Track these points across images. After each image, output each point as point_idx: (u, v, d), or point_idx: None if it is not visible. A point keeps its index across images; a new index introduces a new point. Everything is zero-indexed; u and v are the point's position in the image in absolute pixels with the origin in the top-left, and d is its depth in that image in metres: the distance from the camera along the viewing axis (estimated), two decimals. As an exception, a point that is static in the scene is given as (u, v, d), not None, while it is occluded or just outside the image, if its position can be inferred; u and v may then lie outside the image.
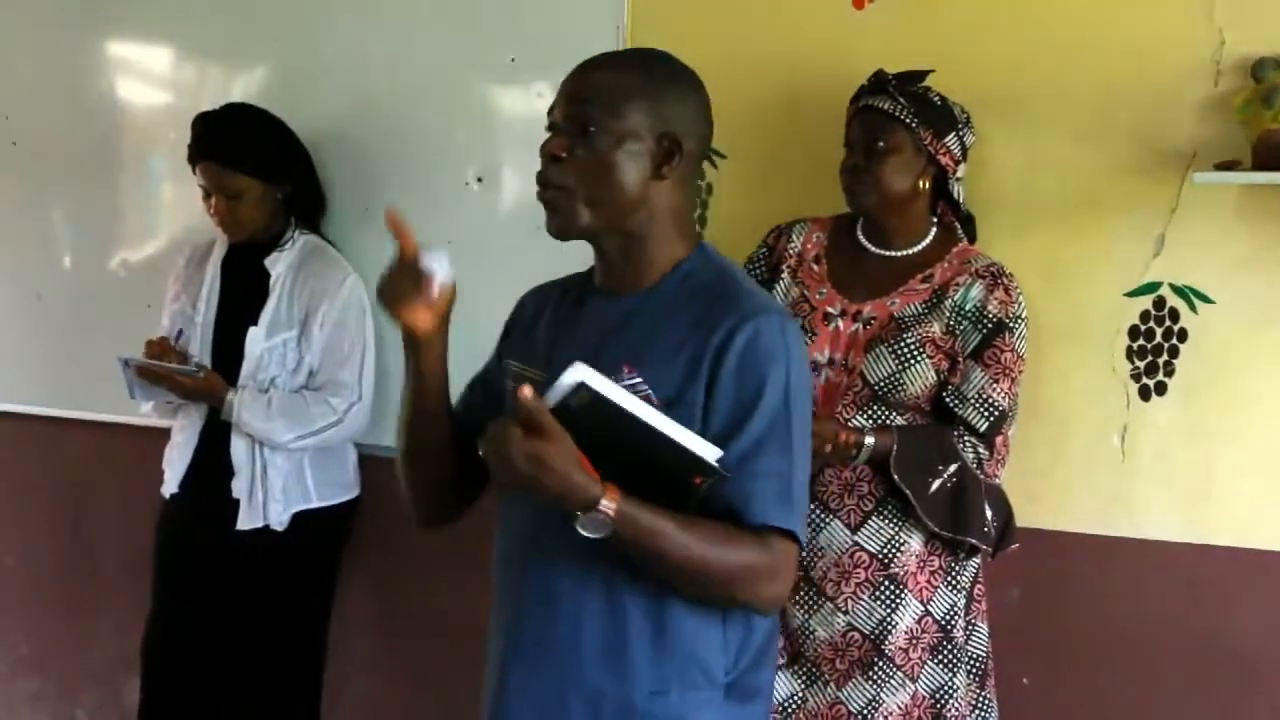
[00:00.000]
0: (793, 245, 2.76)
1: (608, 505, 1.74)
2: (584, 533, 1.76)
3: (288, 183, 3.29)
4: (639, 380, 1.86)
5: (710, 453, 1.78)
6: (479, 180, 3.34)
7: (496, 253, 3.16)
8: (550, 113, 1.94)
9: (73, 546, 4.05)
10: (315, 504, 3.28)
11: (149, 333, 3.32)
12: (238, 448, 3.24)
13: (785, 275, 2.74)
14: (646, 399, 1.81)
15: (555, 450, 1.71)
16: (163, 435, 3.42)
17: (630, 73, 1.93)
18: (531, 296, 2.13)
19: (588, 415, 1.71)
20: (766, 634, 1.97)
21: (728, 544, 1.82)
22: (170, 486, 3.36)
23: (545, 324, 2.04)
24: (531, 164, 3.21)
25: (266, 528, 3.23)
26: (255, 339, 3.23)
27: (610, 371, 1.80)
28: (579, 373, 1.70)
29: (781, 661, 2.68)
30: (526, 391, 1.71)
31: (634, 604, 1.88)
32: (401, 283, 1.89)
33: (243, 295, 3.29)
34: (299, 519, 3.26)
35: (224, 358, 3.24)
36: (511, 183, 3.33)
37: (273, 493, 3.23)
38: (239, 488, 3.24)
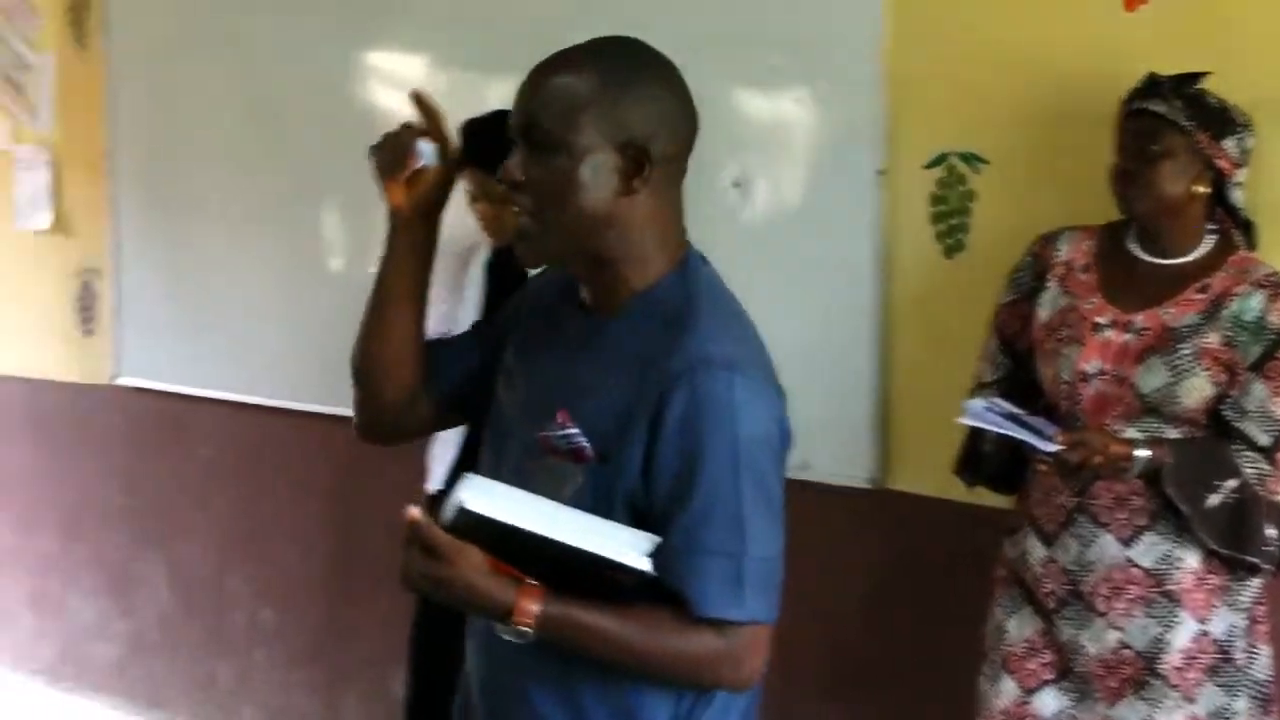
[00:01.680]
0: (1059, 253, 2.70)
1: (527, 610, 1.62)
2: (506, 638, 1.66)
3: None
4: (574, 431, 1.72)
5: (636, 551, 1.64)
6: (736, 185, 3.34)
7: (753, 257, 3.16)
8: (509, 128, 1.79)
9: (344, 541, 4.20)
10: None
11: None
12: (501, 447, 3.30)
13: (1053, 284, 2.68)
14: (580, 452, 1.71)
15: (452, 571, 1.62)
16: (429, 434, 3.52)
17: (581, 77, 1.74)
18: (541, 283, 1.98)
19: (487, 529, 1.61)
20: (724, 700, 1.78)
21: (674, 635, 1.68)
22: (435, 483, 3.45)
23: (540, 327, 1.90)
24: (788, 170, 3.25)
25: (530, 526, 3.29)
26: (519, 342, 3.29)
27: (546, 418, 1.73)
28: (465, 492, 1.60)
29: (1050, 677, 2.63)
30: (413, 513, 1.63)
31: (556, 665, 1.73)
32: (392, 150, 1.84)
33: (506, 298, 3.34)
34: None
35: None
36: (769, 187, 3.32)
37: (536, 492, 3.29)
38: (502, 485, 3.30)
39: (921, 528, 3.14)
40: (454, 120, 3.39)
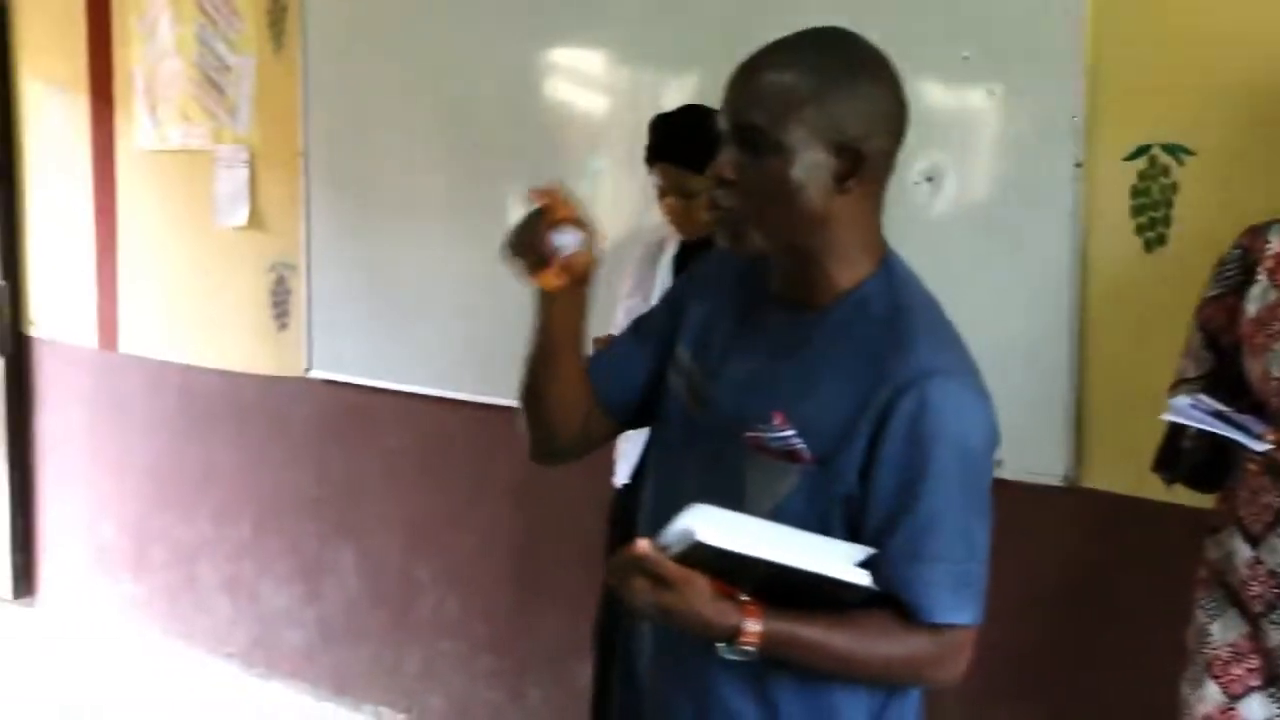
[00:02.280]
0: (1270, 246, 2.61)
1: (751, 631, 1.65)
2: (728, 657, 1.67)
3: (741, 183, 3.35)
4: (790, 433, 1.72)
5: (851, 564, 1.66)
6: (928, 179, 3.31)
7: (944, 252, 3.11)
8: (719, 121, 1.77)
9: (529, 533, 4.25)
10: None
11: (599, 328, 3.43)
12: (688, 442, 3.31)
13: (1262, 277, 2.59)
14: (796, 454, 1.72)
15: (680, 599, 1.63)
16: (616, 428, 3.54)
17: (795, 74, 1.72)
18: (717, 268, 1.94)
19: (713, 557, 1.62)
20: (912, 696, 1.84)
21: (889, 641, 1.71)
22: (621, 477, 3.47)
23: (723, 319, 1.88)
24: (982, 164, 3.20)
25: (715, 522, 3.30)
26: (707, 336, 3.29)
27: (762, 420, 1.73)
28: (694, 526, 1.61)
29: (1257, 683, 2.55)
30: (642, 546, 1.63)
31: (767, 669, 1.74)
32: (530, 248, 1.80)
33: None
34: (748, 514, 3.31)
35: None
36: (959, 181, 3.28)
37: (721, 488, 3.29)
38: (689, 482, 3.31)
39: (1117, 527, 3.08)
40: (641, 116, 3.45)
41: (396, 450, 4.58)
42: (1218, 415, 2.43)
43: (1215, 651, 2.60)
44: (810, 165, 1.70)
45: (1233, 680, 2.58)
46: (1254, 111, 2.85)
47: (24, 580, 5.86)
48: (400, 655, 4.62)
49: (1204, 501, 2.72)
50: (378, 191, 4.47)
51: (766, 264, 1.84)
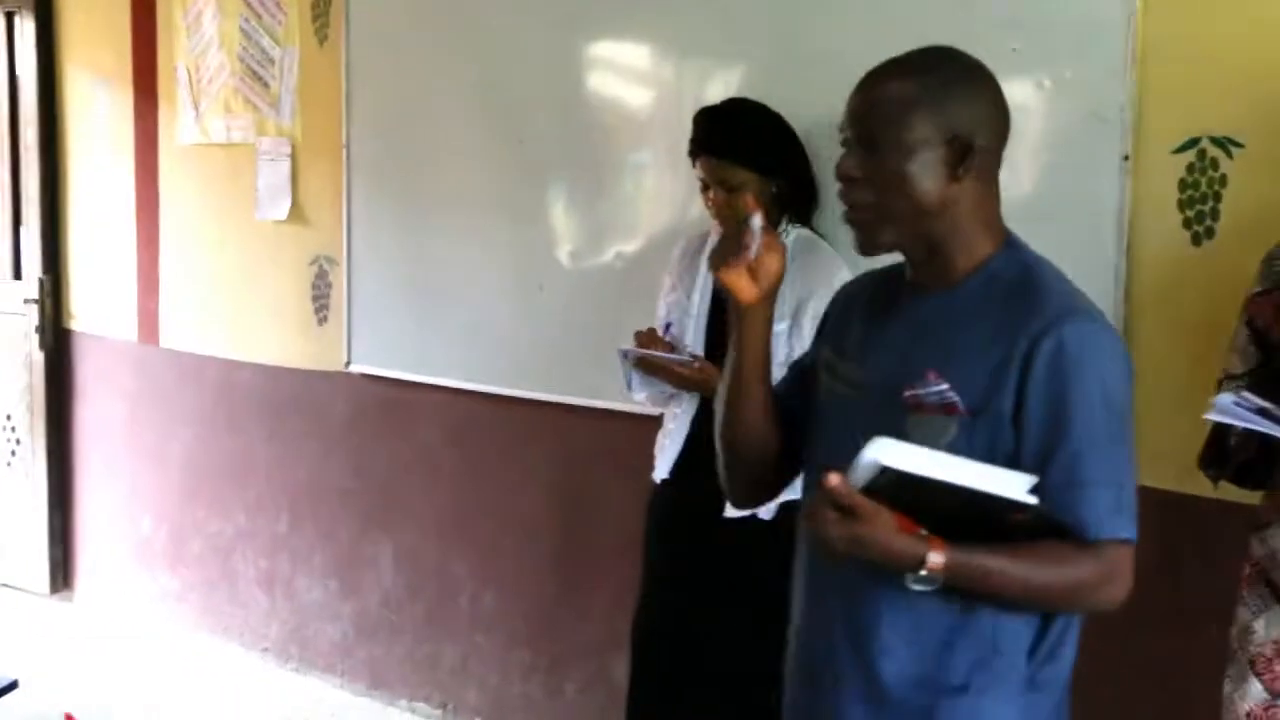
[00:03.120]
0: (1318, 239, 2.59)
1: (935, 561, 1.81)
2: (915, 588, 1.84)
3: (784, 177, 3.34)
4: (945, 387, 1.89)
5: (1022, 489, 1.79)
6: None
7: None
8: (841, 130, 1.99)
9: (566, 527, 4.25)
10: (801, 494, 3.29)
11: (643, 323, 3.44)
12: (727, 436, 3.30)
13: (1311, 270, 2.57)
14: (951, 406, 1.88)
15: (871, 529, 1.79)
16: (654, 422, 3.53)
17: (911, 82, 1.94)
18: (849, 287, 2.20)
19: (896, 485, 1.76)
20: (1064, 624, 1.96)
21: (1059, 565, 1.86)
22: (661, 472, 3.46)
23: (859, 316, 2.10)
24: (1030, 156, 3.18)
25: (754, 516, 3.28)
26: (748, 331, 3.28)
27: (916, 378, 1.91)
28: (879, 453, 1.75)
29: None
30: (833, 479, 1.77)
31: (938, 601, 1.90)
32: (731, 246, 2.02)
33: (735, 286, 3.35)
34: (786, 509, 3.27)
35: (718, 348, 3.31)
36: (1007, 174, 3.18)
37: (761, 482, 3.28)
38: (728, 476, 3.30)
39: (1162, 523, 3.03)
40: (685, 110, 3.44)
41: (434, 444, 4.58)
42: (1262, 412, 2.39)
43: (1259, 649, 2.57)
44: (925, 158, 1.92)
45: (1276, 678, 2.55)
46: (1305, 104, 2.82)
47: (61, 574, 5.90)
48: (436, 650, 4.62)
49: (1252, 499, 2.69)
50: (419, 185, 4.47)
51: (899, 274, 2.05)
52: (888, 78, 1.97)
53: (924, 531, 1.82)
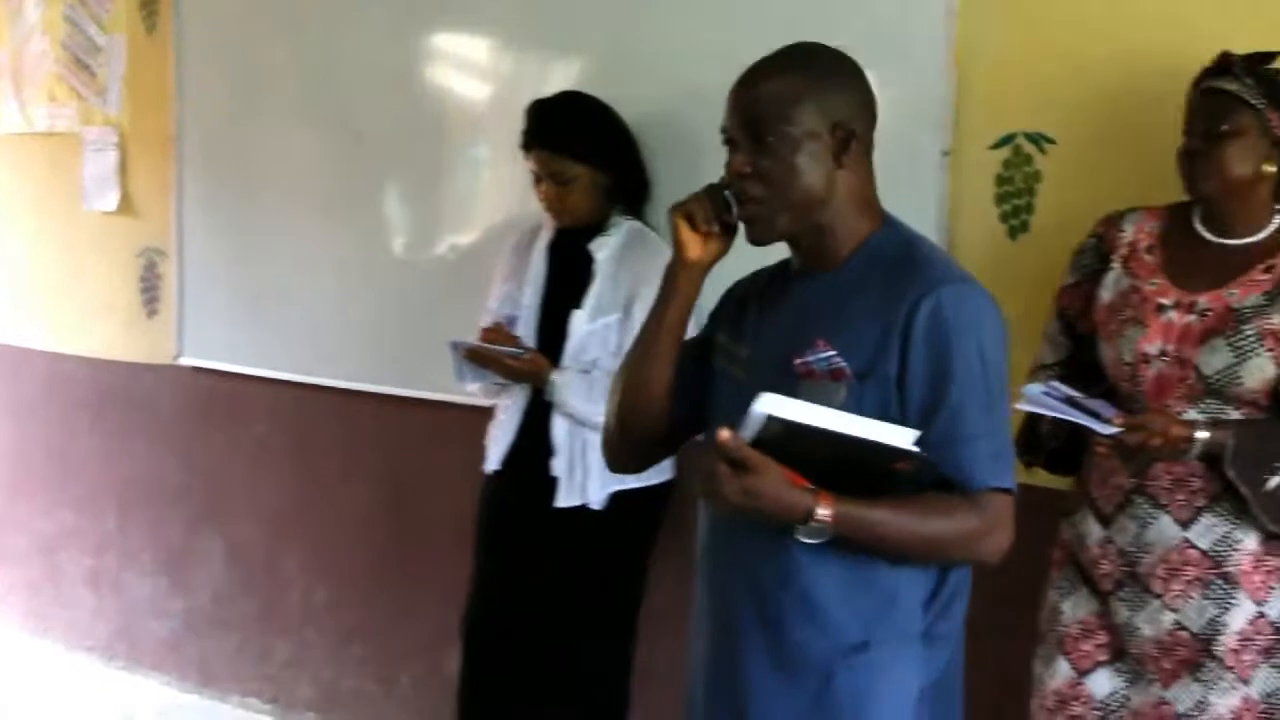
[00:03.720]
0: (1124, 234, 2.68)
1: (824, 514, 1.89)
2: (805, 540, 1.92)
3: (616, 169, 3.36)
4: (833, 354, 1.99)
5: (906, 439, 1.87)
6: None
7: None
8: (724, 129, 2.07)
9: (399, 520, 4.22)
10: (632, 484, 3.32)
11: (474, 315, 3.44)
12: (559, 427, 3.32)
13: (1116, 265, 2.66)
14: (840, 371, 1.98)
15: (763, 481, 1.87)
16: (486, 413, 3.53)
17: (791, 76, 2.04)
18: (744, 281, 2.26)
19: (785, 438, 1.84)
20: (957, 579, 2.06)
21: (942, 515, 1.95)
22: (492, 463, 3.46)
23: (752, 305, 2.18)
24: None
25: (585, 506, 3.31)
26: (579, 322, 3.31)
27: (806, 346, 2.01)
28: (767, 405, 1.83)
29: (1104, 658, 2.62)
30: (724, 434, 1.86)
31: (834, 561, 1.98)
32: (705, 206, 2.09)
33: (568, 279, 3.38)
34: (617, 499, 3.32)
35: (548, 339, 3.33)
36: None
37: (591, 472, 3.30)
38: (559, 466, 3.32)
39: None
40: (517, 102, 3.45)
41: (266, 438, 4.53)
42: (1070, 401, 2.48)
43: (1066, 629, 2.66)
44: (811, 148, 2.02)
45: (1082, 656, 2.64)
46: (1113, 102, 2.92)
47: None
48: (268, 645, 4.57)
49: (1064, 484, 2.78)
50: (252, 177, 4.41)
51: (786, 266, 2.16)
52: (768, 74, 2.06)
53: (812, 486, 1.89)
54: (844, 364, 1.98)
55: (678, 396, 2.20)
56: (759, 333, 2.14)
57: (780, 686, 2.03)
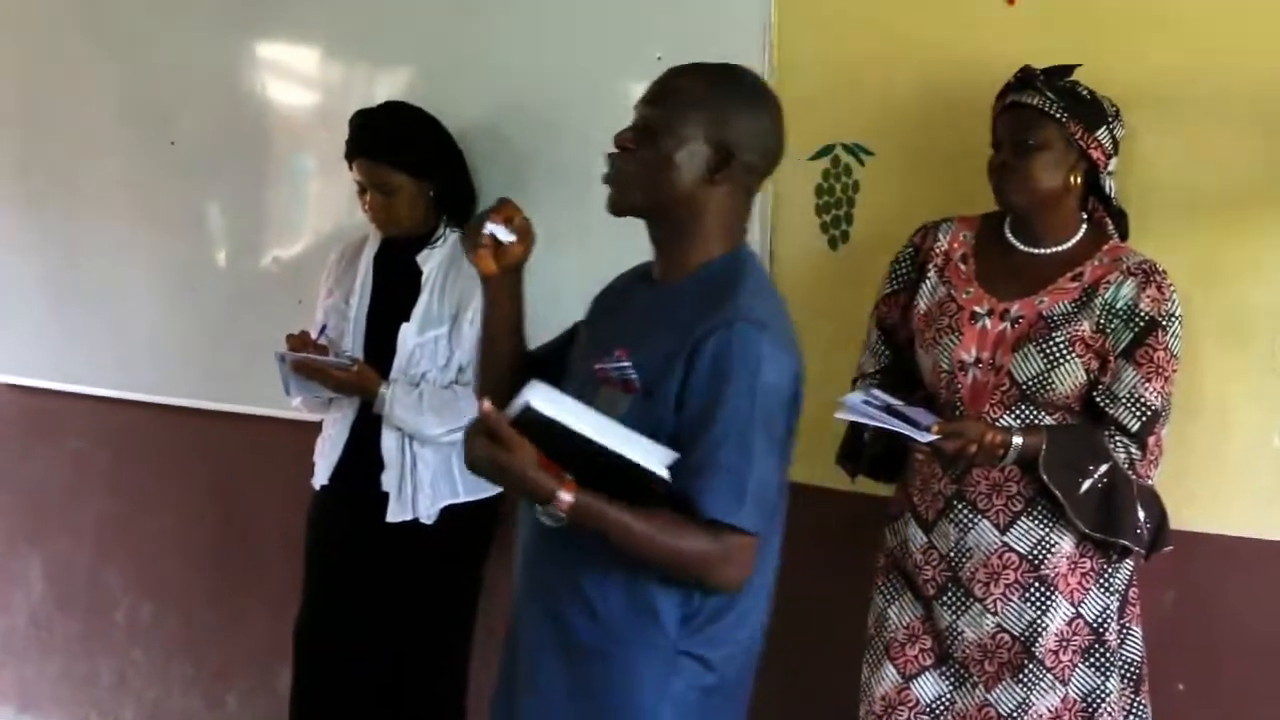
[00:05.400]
0: (939, 244, 2.74)
1: (564, 499, 2.00)
2: (544, 521, 2.07)
3: (441, 180, 3.34)
4: (627, 365, 2.11)
5: (660, 462, 2.00)
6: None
7: (639, 246, 3.17)
8: (636, 107, 2.19)
9: (226, 536, 4.15)
10: (463, 498, 3.30)
11: (300, 327, 3.39)
12: (388, 441, 3.29)
13: (932, 274, 2.72)
14: (630, 384, 2.09)
15: (510, 458, 1.99)
16: (314, 428, 3.48)
17: (702, 84, 2.16)
18: (624, 275, 2.38)
19: (544, 428, 1.97)
20: (715, 607, 2.13)
21: (679, 534, 2.04)
22: (321, 478, 3.42)
23: (611, 299, 2.34)
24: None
25: (415, 521, 3.28)
26: (407, 334, 3.28)
27: (608, 352, 2.14)
28: (531, 393, 1.97)
29: (929, 663, 2.67)
30: (485, 406, 2.00)
31: (610, 566, 2.10)
32: (472, 233, 2.21)
33: (395, 291, 3.34)
34: (447, 513, 3.30)
35: (377, 352, 3.29)
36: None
37: (421, 486, 3.27)
38: (388, 481, 3.28)
39: (804, 517, 3.14)
40: (344, 112, 3.40)
41: (84, 454, 4.41)
42: (889, 409, 2.52)
43: (892, 635, 2.71)
44: (690, 150, 2.12)
45: (908, 661, 2.69)
46: (928, 114, 2.97)
47: None
48: (92, 666, 4.45)
49: (889, 491, 2.83)
50: (61, 184, 4.27)
51: (648, 271, 2.26)
52: (686, 76, 2.19)
53: (567, 476, 2.01)
54: (634, 377, 2.10)
55: (545, 372, 2.26)
56: (597, 329, 2.29)
57: (556, 664, 2.17)
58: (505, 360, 2.33)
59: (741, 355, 2.04)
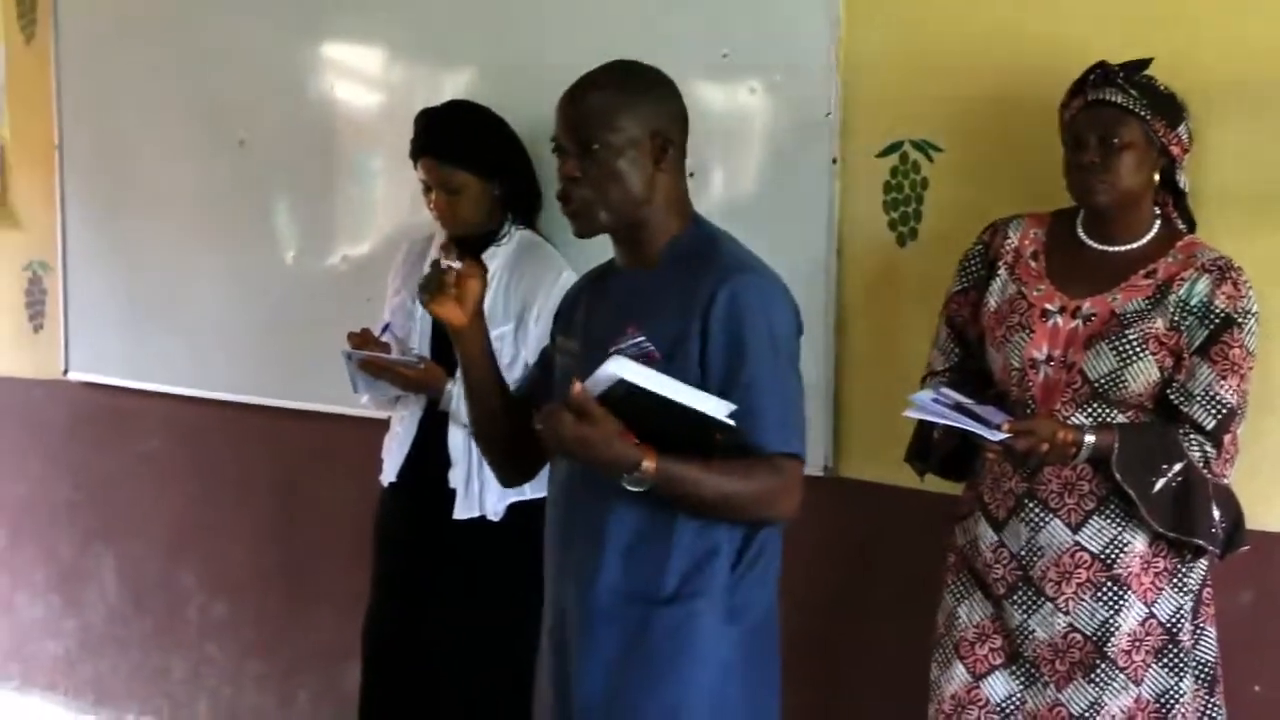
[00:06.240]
0: (1009, 241, 2.71)
1: (647, 467, 2.13)
2: (629, 489, 2.16)
3: (506, 179, 3.34)
4: (642, 339, 2.25)
5: (722, 411, 2.11)
6: (690, 175, 3.33)
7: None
8: (554, 139, 2.30)
9: (295, 534, 4.19)
10: (529, 495, 3.31)
11: (369, 325, 3.41)
12: (455, 438, 3.29)
13: (1002, 271, 2.69)
14: (650, 354, 2.22)
15: (600, 431, 2.11)
16: (381, 425, 3.50)
17: (613, 90, 2.28)
18: (579, 283, 2.53)
19: (626, 399, 2.09)
20: (760, 542, 2.28)
21: (746, 475, 2.20)
22: (389, 475, 3.43)
23: (583, 303, 2.43)
24: (743, 159, 3.26)
25: (483, 518, 3.29)
26: (473, 332, 3.28)
27: (618, 333, 2.26)
28: (618, 368, 2.07)
29: (999, 662, 2.65)
30: (577, 387, 2.10)
31: (651, 523, 2.23)
32: (433, 283, 2.31)
33: (459, 289, 3.34)
34: (515, 510, 3.30)
35: (443, 350, 3.30)
36: (723, 177, 3.32)
37: (489, 483, 3.27)
38: (456, 477, 3.29)
39: (874, 515, 3.16)
40: (410, 111, 3.42)
41: (158, 453, 4.47)
42: (959, 408, 2.50)
43: (962, 633, 2.69)
44: (632, 154, 2.25)
45: (978, 660, 2.67)
46: (998, 111, 2.95)
47: None
48: (165, 662, 4.51)
49: (957, 489, 2.81)
50: (138, 187, 4.35)
51: (610, 266, 2.41)
52: (593, 89, 2.29)
53: (640, 442, 2.13)
54: (652, 347, 2.23)
55: (535, 406, 2.33)
56: (586, 327, 2.38)
57: (603, 629, 2.27)
58: (497, 405, 2.44)
59: (751, 301, 2.21)
